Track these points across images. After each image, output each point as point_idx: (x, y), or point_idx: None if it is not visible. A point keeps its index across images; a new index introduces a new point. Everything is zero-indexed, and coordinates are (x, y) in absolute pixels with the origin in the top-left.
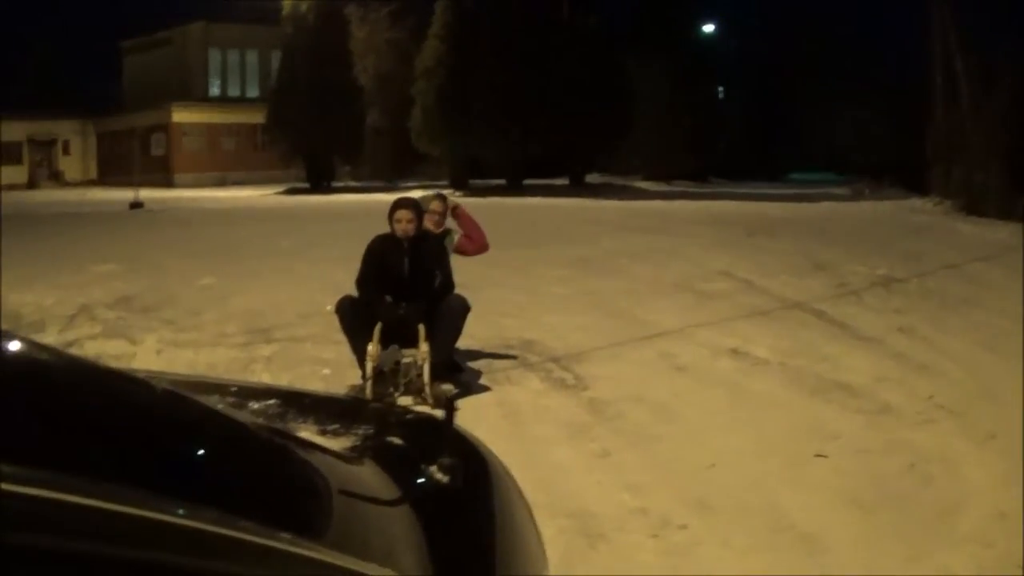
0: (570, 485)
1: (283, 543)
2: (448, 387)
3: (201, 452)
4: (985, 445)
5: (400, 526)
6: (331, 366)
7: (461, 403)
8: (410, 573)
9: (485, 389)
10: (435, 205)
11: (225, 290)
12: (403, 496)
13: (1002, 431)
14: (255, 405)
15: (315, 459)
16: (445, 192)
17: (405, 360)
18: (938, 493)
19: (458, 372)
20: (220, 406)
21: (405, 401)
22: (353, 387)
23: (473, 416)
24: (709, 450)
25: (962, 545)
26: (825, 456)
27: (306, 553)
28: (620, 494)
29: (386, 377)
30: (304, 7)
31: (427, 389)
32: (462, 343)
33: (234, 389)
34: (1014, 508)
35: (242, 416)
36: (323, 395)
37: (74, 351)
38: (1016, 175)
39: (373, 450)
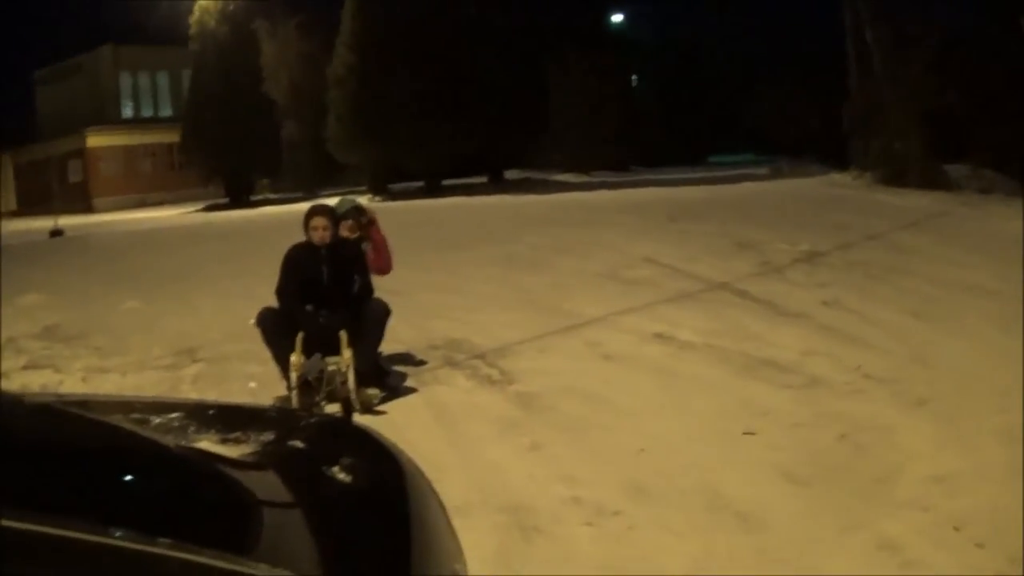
0: (503, 480)
1: (179, 552)
2: (374, 392)
3: (95, 470)
4: (916, 411)
5: (301, 529)
6: (258, 379)
7: (390, 406)
8: (307, 573)
9: (413, 391)
10: (349, 223)
11: (150, 313)
12: (304, 499)
13: (933, 396)
14: (157, 419)
15: (211, 468)
16: (363, 198)
17: (330, 368)
18: (872, 461)
19: (384, 376)
20: (119, 423)
21: (332, 409)
22: (279, 398)
23: (402, 418)
24: (640, 435)
25: (899, 511)
26: (754, 433)
27: (200, 560)
28: (553, 486)
29: (311, 386)
30: (212, 24)
31: (353, 395)
32: (388, 347)
33: (141, 405)
34: (949, 471)
35: (140, 431)
36: (228, 405)
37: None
38: (934, 143)
39: (272, 455)
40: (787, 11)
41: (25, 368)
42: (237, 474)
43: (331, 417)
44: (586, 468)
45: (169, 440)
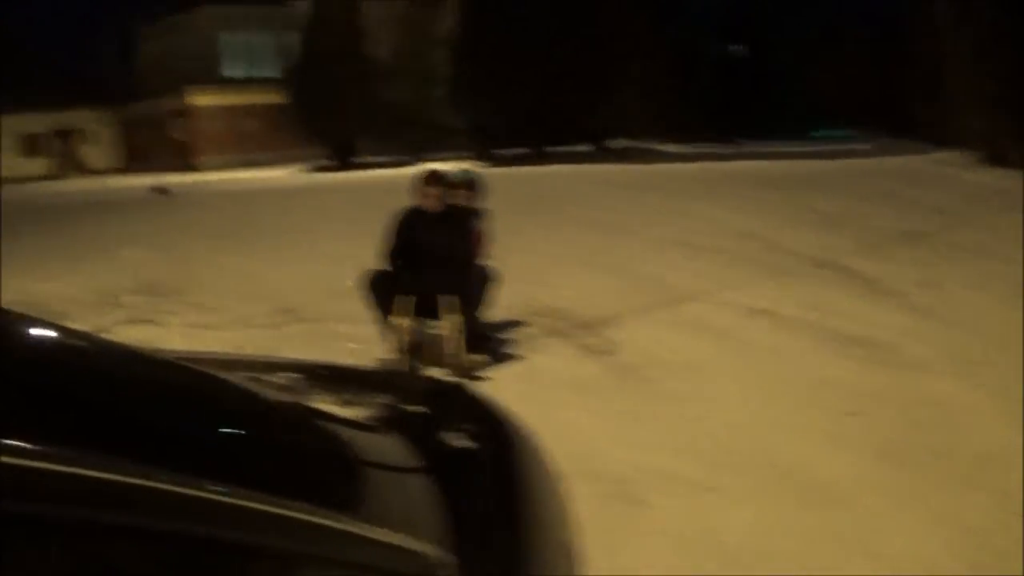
0: (601, 450)
1: (306, 514)
2: (478, 357)
3: (223, 428)
4: (1010, 399)
5: (424, 494)
6: (358, 342)
7: (491, 372)
8: (433, 540)
9: (514, 357)
10: (464, 192)
11: (251, 271)
12: (426, 464)
13: None
14: (277, 379)
15: (337, 431)
16: (466, 163)
17: (433, 332)
18: (968, 446)
19: (487, 342)
20: (242, 381)
21: (435, 373)
22: (382, 360)
23: (502, 384)
24: (739, 411)
25: (992, 495)
26: (855, 414)
27: (327, 523)
28: (652, 458)
29: (416, 349)
30: None
31: (457, 360)
32: (490, 312)
33: (256, 364)
34: None
35: (263, 390)
36: (344, 367)
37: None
38: None
39: (395, 419)
40: None
41: (126, 322)
42: (350, 435)
43: (444, 382)
44: (684, 442)
45: (284, 398)
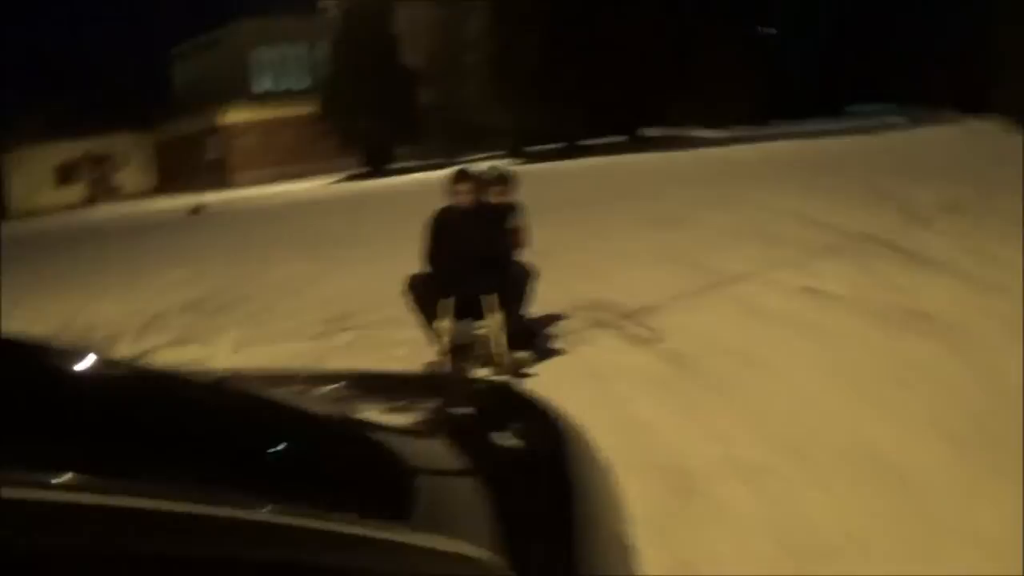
0: (657, 439)
1: (355, 527)
2: (525, 354)
3: (263, 444)
4: None
5: (473, 497)
6: (407, 346)
7: (540, 367)
8: (484, 543)
9: (562, 352)
10: (497, 188)
11: (295, 284)
12: (475, 466)
13: None
14: (322, 390)
15: (382, 439)
16: (502, 162)
17: (479, 332)
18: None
19: (533, 338)
20: (283, 395)
21: (483, 373)
22: (430, 364)
23: (553, 379)
24: (793, 392)
25: None
26: (908, 386)
27: (377, 535)
28: (708, 444)
29: (461, 351)
30: None
31: (503, 359)
32: (535, 308)
33: (300, 376)
34: None
35: (306, 403)
36: (389, 373)
37: (150, 359)
38: None
39: (442, 423)
40: None
41: (174, 343)
42: (396, 442)
43: (490, 381)
44: (740, 426)
45: (330, 411)
